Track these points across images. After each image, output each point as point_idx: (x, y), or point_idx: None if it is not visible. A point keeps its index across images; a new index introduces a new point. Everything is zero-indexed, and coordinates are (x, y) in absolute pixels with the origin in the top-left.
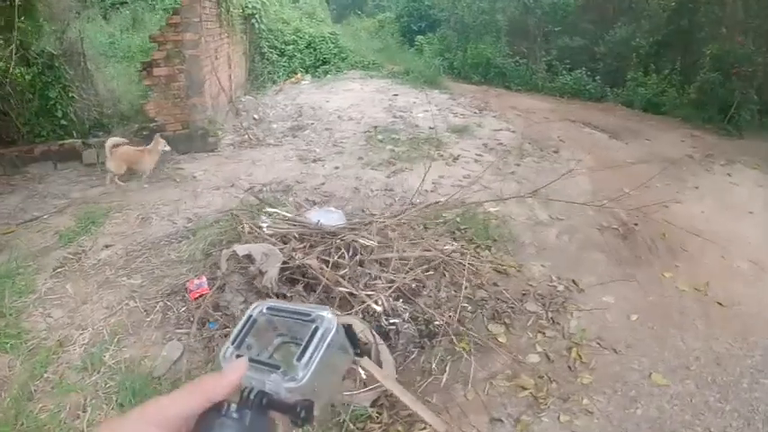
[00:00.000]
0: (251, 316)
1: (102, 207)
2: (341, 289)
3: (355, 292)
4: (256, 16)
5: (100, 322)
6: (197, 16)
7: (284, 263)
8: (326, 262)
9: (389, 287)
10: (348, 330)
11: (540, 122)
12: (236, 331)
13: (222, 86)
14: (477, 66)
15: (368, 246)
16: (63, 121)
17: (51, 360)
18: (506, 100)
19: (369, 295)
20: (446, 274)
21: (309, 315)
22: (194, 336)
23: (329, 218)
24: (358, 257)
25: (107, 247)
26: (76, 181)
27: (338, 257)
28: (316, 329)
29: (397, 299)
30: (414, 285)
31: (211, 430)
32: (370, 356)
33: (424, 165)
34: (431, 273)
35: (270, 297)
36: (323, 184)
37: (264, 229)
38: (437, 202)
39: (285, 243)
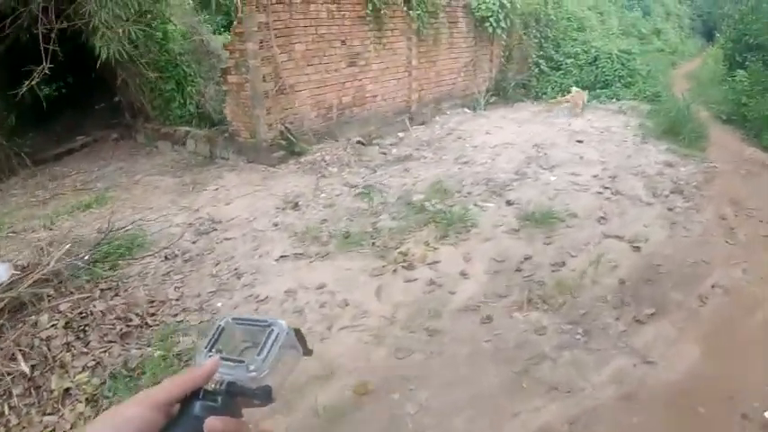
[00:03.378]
0: (220, 325)
1: (102, 196)
2: None
3: None
4: (491, 19)
5: None
6: (256, 26)
7: None
8: None
9: None
10: (298, 333)
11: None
12: (208, 338)
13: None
14: None
15: None
16: (178, 111)
17: None
18: None
19: None
20: None
21: (266, 321)
22: None
23: None
24: None
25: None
26: (162, 164)
27: None
28: (272, 331)
29: None
30: None
31: (192, 411)
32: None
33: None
34: None
35: None
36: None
37: None
38: None
39: None
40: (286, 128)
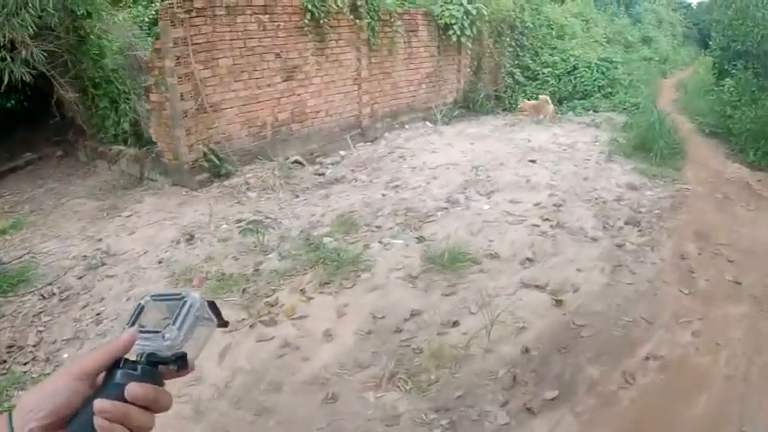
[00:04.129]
0: (140, 304)
1: (20, 221)
2: None
3: None
4: (455, 27)
5: None
6: (172, 41)
7: None
8: None
9: None
10: (211, 305)
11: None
12: (129, 317)
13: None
14: (759, 136)
15: None
16: (113, 129)
17: None
18: (741, 219)
19: None
20: None
21: (180, 294)
22: None
23: None
24: None
25: None
26: (93, 186)
27: None
28: (185, 303)
29: None
30: None
31: (113, 379)
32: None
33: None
34: None
35: None
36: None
37: None
38: None
39: None
40: (210, 149)
